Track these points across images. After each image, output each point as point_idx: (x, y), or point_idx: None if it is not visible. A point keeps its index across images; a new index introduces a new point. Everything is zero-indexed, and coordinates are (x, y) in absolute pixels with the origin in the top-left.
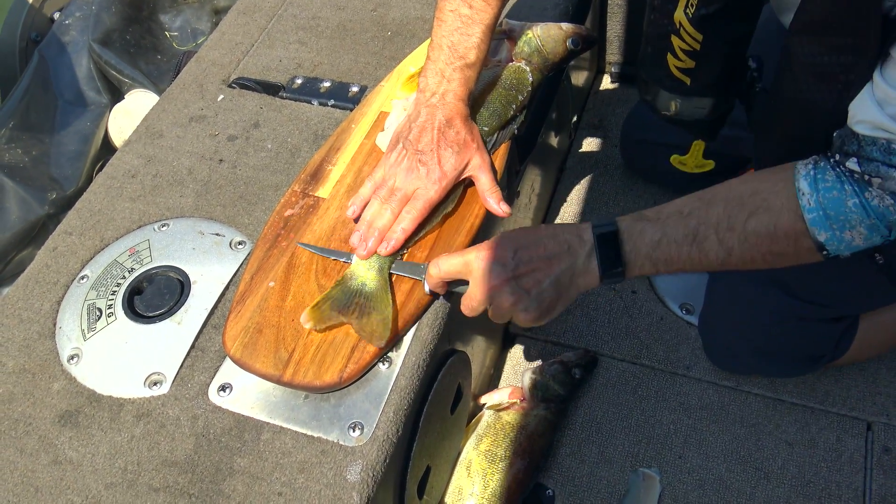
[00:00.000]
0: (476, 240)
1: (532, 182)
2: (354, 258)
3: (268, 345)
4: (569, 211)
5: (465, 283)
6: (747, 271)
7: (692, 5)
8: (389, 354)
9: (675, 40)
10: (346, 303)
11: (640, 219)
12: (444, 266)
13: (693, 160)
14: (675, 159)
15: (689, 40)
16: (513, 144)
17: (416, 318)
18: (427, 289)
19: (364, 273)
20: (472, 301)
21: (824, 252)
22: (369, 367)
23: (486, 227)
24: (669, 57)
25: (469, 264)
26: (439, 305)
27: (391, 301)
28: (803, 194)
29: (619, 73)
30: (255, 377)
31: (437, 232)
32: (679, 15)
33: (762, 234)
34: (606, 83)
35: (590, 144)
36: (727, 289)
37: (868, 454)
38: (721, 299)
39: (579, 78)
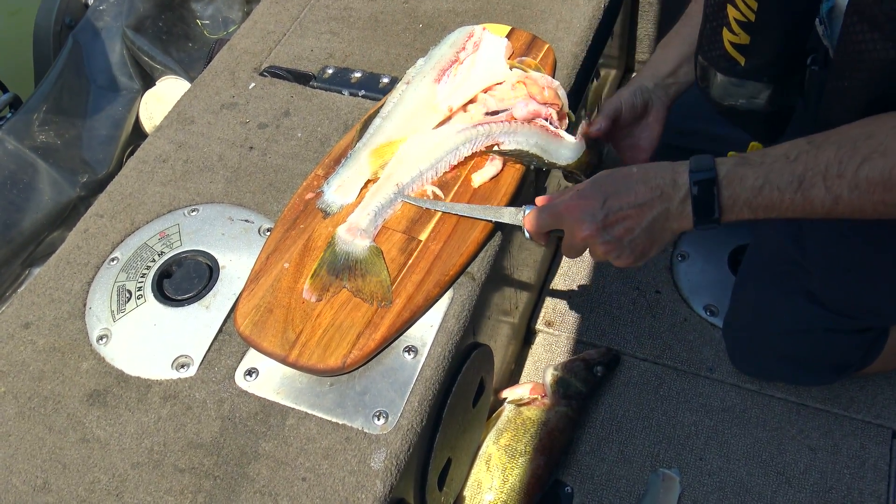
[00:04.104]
0: (490, 237)
1: (558, 179)
2: (341, 228)
3: (276, 324)
4: None
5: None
6: (777, 278)
7: None
8: (415, 345)
9: (730, 11)
10: (338, 265)
11: (742, 163)
12: (537, 223)
13: None
14: (731, 155)
15: (745, 9)
16: None
17: (424, 309)
18: (527, 236)
19: (346, 235)
20: (570, 250)
21: None
22: (373, 354)
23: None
24: (725, 32)
25: (559, 217)
26: (464, 297)
27: (385, 265)
28: None
29: None
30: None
31: (454, 226)
32: None
33: (876, 181)
34: None
35: None
36: (752, 295)
37: (892, 462)
38: (746, 306)
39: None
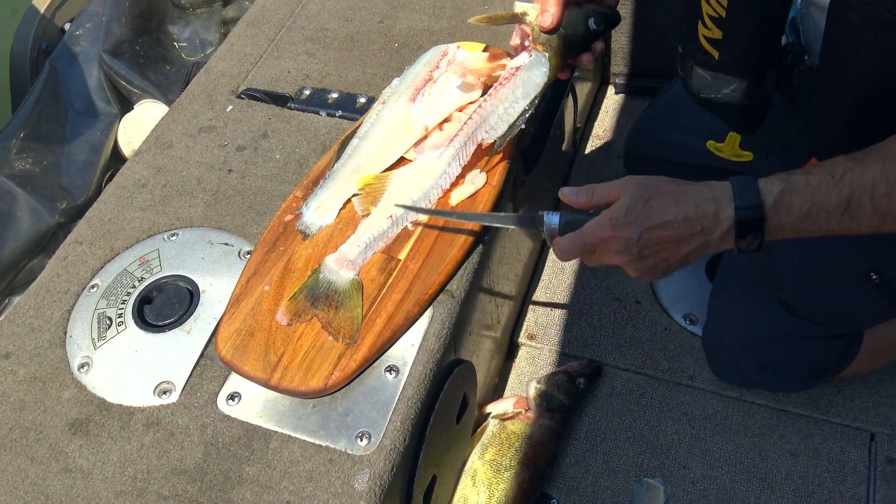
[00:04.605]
0: (468, 254)
1: (536, 193)
2: (330, 257)
3: (258, 348)
4: None
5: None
6: (750, 287)
7: None
8: (396, 364)
9: (704, 6)
10: (317, 292)
11: (787, 191)
12: (569, 253)
13: (729, 148)
14: (710, 144)
15: (716, 5)
16: (518, 155)
17: (405, 328)
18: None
19: (333, 264)
20: (595, 263)
21: None
22: (355, 375)
23: (478, 242)
24: (700, 26)
25: (592, 248)
26: (444, 315)
27: (361, 302)
28: None
29: (623, 84)
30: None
31: (432, 245)
32: None
33: None
34: (611, 94)
35: (594, 155)
36: (728, 304)
37: (871, 465)
38: (722, 315)
39: (583, 89)
